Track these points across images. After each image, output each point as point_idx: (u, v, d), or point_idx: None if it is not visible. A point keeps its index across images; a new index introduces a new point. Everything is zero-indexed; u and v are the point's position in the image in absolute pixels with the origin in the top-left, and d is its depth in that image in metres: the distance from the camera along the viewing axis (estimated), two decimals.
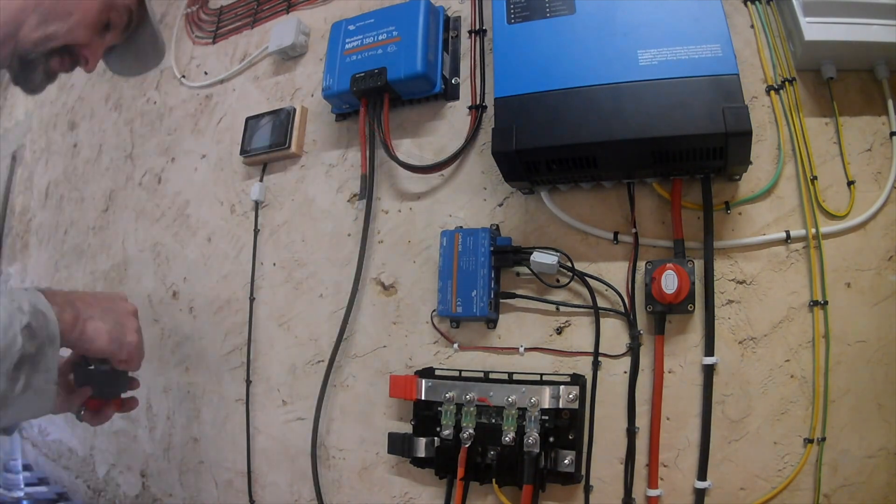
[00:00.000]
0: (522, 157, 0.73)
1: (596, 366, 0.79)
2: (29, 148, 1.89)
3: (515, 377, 0.81)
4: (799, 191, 0.75)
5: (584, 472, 0.77)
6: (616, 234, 0.81)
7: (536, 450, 0.73)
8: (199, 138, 1.30)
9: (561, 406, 0.76)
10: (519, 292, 0.84)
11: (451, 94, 0.96)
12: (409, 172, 0.94)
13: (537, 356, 0.83)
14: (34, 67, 0.62)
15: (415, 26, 0.91)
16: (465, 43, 0.98)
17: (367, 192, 0.95)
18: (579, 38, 0.73)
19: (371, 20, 0.96)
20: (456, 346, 0.88)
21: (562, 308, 0.82)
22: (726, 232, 0.76)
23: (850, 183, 0.73)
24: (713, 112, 0.64)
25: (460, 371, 0.85)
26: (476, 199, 0.91)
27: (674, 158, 0.70)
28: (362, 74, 0.92)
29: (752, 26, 0.80)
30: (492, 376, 0.83)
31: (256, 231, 1.12)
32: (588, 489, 0.77)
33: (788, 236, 0.74)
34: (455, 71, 0.97)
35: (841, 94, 0.75)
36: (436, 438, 0.81)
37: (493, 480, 0.78)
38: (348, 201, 1.03)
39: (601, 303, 0.80)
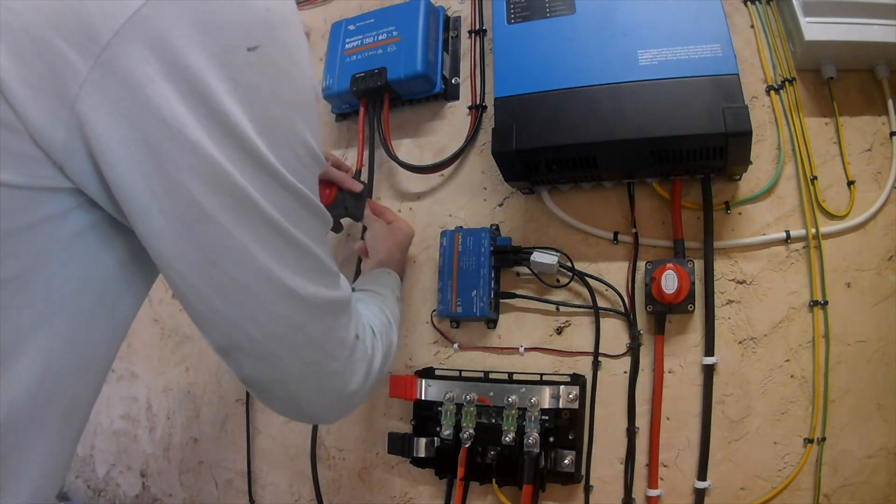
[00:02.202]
0: (522, 158, 0.73)
1: (596, 366, 0.79)
2: None
3: (515, 377, 0.81)
4: (799, 191, 0.75)
5: (584, 472, 0.77)
6: (616, 234, 0.81)
7: (536, 450, 0.73)
8: None
9: (561, 406, 0.76)
10: (519, 292, 0.84)
11: (451, 94, 0.96)
12: (409, 172, 0.94)
13: (537, 356, 0.83)
14: None
15: (415, 26, 0.91)
16: (465, 43, 0.98)
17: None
18: (579, 38, 0.73)
19: (371, 20, 0.96)
20: (456, 346, 0.88)
21: (562, 308, 0.82)
22: (726, 232, 0.76)
23: (850, 183, 0.73)
24: (713, 112, 0.64)
25: (460, 371, 0.85)
26: (476, 199, 0.91)
27: (674, 158, 0.70)
28: (362, 74, 0.92)
29: (752, 26, 0.80)
30: (492, 376, 0.83)
31: None
32: (588, 489, 0.77)
33: (788, 236, 0.74)
34: (455, 71, 0.97)
35: (841, 94, 0.75)
36: (436, 438, 0.81)
37: (493, 480, 0.78)
38: None
39: (601, 303, 0.80)
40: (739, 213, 0.77)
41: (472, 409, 0.79)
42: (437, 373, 0.87)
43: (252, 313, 0.38)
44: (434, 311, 0.89)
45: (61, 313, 0.36)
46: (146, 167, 0.33)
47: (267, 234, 0.37)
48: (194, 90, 0.33)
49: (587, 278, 0.80)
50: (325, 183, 0.81)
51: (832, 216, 0.73)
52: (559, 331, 0.83)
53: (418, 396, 0.83)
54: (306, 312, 0.40)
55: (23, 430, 0.35)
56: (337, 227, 0.87)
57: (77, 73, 0.31)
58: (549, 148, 0.71)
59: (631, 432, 0.76)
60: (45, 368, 0.35)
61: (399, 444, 0.84)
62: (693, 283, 0.73)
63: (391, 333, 0.59)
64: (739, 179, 0.77)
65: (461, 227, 0.90)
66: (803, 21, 0.72)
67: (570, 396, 0.75)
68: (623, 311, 0.78)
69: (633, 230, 0.79)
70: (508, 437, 0.75)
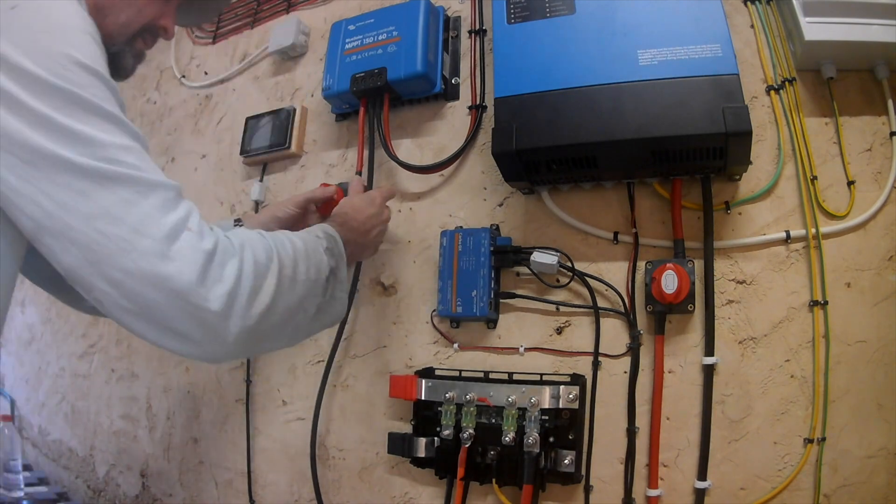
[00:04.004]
0: (523, 157, 0.73)
1: (596, 366, 0.79)
2: None
3: (515, 377, 0.81)
4: (799, 191, 0.75)
5: (584, 472, 0.77)
6: (616, 234, 0.81)
7: (536, 450, 0.73)
8: (199, 138, 1.30)
9: (561, 406, 0.76)
10: (519, 292, 0.84)
11: (451, 94, 0.96)
12: (409, 172, 0.94)
13: (537, 356, 0.83)
14: (122, 57, 0.67)
15: (415, 26, 0.91)
16: (465, 43, 0.98)
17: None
18: (579, 38, 0.73)
19: (371, 20, 0.96)
20: (456, 346, 0.88)
21: (562, 308, 0.82)
22: (726, 232, 0.76)
23: (850, 183, 0.73)
24: (713, 112, 0.64)
25: (460, 371, 0.85)
26: (476, 199, 0.91)
27: (674, 158, 0.70)
28: (362, 74, 0.92)
29: (752, 26, 0.80)
30: (492, 376, 0.83)
31: None
32: (588, 489, 0.77)
33: (788, 236, 0.74)
34: (455, 71, 0.97)
35: (841, 94, 0.75)
36: (436, 438, 0.81)
37: (493, 480, 0.78)
38: None
39: (601, 303, 0.80)
40: (739, 213, 0.77)
41: (472, 409, 0.79)
42: (437, 373, 0.87)
43: (39, 184, 0.45)
44: (434, 311, 0.89)
45: None
46: None
47: (37, 123, 0.45)
48: None
49: (587, 278, 0.80)
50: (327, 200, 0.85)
51: (832, 216, 0.73)
52: (559, 331, 0.83)
53: (418, 396, 0.83)
54: (87, 179, 0.46)
55: None
56: None
57: None
58: (549, 148, 0.71)
59: (631, 432, 0.76)
60: None
61: (399, 444, 0.85)
62: (693, 283, 0.73)
63: (267, 258, 0.54)
64: (739, 179, 0.77)
65: (461, 227, 0.90)
66: (803, 21, 0.72)
67: (570, 396, 0.75)
68: (623, 311, 0.78)
69: (633, 230, 0.79)
70: (508, 437, 0.75)
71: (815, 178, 0.74)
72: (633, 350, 0.77)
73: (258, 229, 0.61)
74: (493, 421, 0.78)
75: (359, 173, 0.94)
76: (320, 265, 0.62)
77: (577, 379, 0.79)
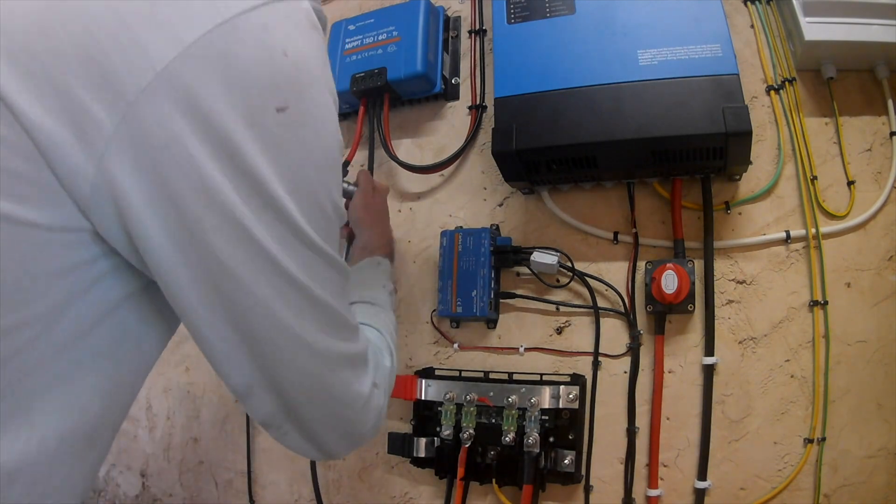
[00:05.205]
0: (523, 158, 0.73)
1: (596, 366, 0.79)
2: None
3: (515, 377, 0.81)
4: (799, 191, 0.75)
5: (584, 472, 0.77)
6: (616, 234, 0.81)
7: (536, 450, 0.73)
8: None
9: (561, 406, 0.76)
10: (519, 292, 0.84)
11: (451, 94, 0.96)
12: (409, 172, 0.94)
13: (537, 356, 0.83)
14: None
15: (415, 26, 0.91)
16: (465, 43, 0.97)
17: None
18: (579, 38, 0.73)
19: (371, 20, 0.96)
20: (456, 346, 0.88)
21: (562, 308, 0.82)
22: (726, 232, 0.77)
23: (850, 183, 0.73)
24: (713, 112, 0.64)
25: (460, 371, 0.85)
26: (476, 199, 0.91)
27: (674, 158, 0.70)
28: (362, 74, 0.92)
29: (752, 26, 0.80)
30: (492, 376, 0.83)
31: None
32: (588, 489, 0.77)
33: (788, 236, 0.74)
34: (455, 71, 0.97)
35: (841, 94, 0.75)
36: (436, 438, 0.81)
37: (493, 480, 0.78)
38: None
39: (601, 303, 0.80)
40: (739, 213, 0.77)
41: (472, 409, 0.79)
42: (437, 373, 0.87)
43: (273, 364, 0.39)
44: (434, 311, 0.89)
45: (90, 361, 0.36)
46: (172, 227, 0.33)
47: (290, 293, 0.38)
48: (224, 149, 0.33)
49: (587, 278, 0.80)
50: None
51: (832, 216, 0.73)
52: (559, 331, 0.83)
53: (418, 396, 0.83)
54: (324, 366, 0.42)
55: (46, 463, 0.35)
56: None
57: (102, 129, 0.31)
58: (549, 148, 0.71)
59: (631, 432, 0.76)
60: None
61: (399, 444, 0.84)
62: (693, 283, 0.73)
63: (394, 363, 0.58)
64: (739, 179, 0.77)
65: (461, 227, 0.90)
66: (803, 21, 0.72)
67: (570, 396, 0.75)
68: (623, 311, 0.78)
69: (633, 230, 0.79)
70: (508, 437, 0.75)
71: (815, 178, 0.74)
72: (633, 350, 0.77)
73: (368, 311, 0.62)
74: (493, 421, 0.78)
75: (347, 162, 0.92)
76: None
77: (577, 379, 0.79)
